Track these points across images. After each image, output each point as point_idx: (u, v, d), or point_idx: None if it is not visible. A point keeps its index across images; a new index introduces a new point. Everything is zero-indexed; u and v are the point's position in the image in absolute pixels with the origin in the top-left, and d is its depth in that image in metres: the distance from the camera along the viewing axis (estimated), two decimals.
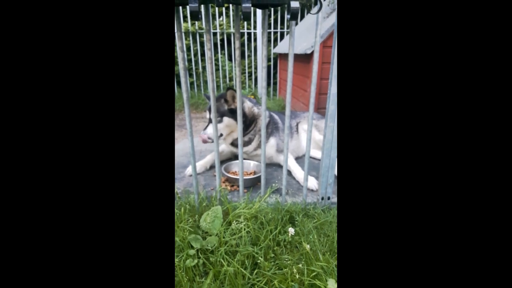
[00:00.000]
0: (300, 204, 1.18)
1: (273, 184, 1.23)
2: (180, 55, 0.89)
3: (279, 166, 1.64)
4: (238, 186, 1.34)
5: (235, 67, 0.94)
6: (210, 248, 0.89)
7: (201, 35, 4.23)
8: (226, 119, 1.46)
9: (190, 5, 0.65)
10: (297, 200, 1.24)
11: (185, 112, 0.99)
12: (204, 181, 1.47)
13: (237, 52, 0.93)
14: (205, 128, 1.47)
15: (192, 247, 0.88)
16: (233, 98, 1.44)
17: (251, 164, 1.53)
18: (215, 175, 1.51)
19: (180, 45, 0.88)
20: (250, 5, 0.69)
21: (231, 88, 1.38)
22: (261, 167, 1.14)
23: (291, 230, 0.93)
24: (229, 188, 1.34)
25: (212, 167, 1.63)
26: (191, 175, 1.51)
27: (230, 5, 4.03)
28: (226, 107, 1.46)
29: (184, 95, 0.96)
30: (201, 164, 1.57)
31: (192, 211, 1.09)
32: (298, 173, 1.43)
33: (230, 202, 1.11)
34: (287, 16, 0.76)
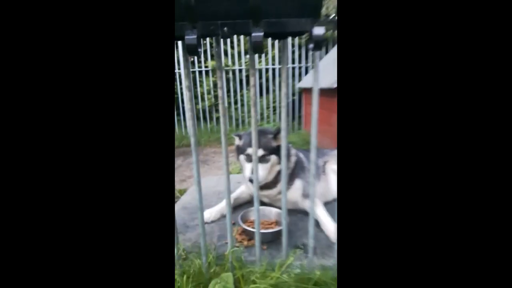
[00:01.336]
0: (331, 269, 0.94)
1: (297, 251, 1.00)
2: (187, 94, 0.79)
3: (306, 213, 1.41)
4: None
5: (251, 104, 0.81)
6: None
7: (226, 72, 4.36)
8: (273, 158, 1.27)
9: (186, 37, 0.55)
10: (327, 263, 0.99)
11: (192, 158, 0.86)
12: (219, 231, 1.28)
13: (252, 90, 0.81)
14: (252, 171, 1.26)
15: None
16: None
17: (272, 212, 1.33)
18: (232, 223, 1.33)
19: (187, 83, 0.78)
20: (262, 33, 0.57)
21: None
22: (282, 220, 0.94)
23: None
24: (245, 243, 1.14)
25: None
26: (205, 223, 1.34)
27: None
28: (274, 144, 1.27)
29: (192, 140, 0.83)
30: (217, 210, 1.40)
31: (200, 276, 0.90)
32: (329, 224, 1.19)
33: (244, 266, 0.91)
34: (310, 46, 0.63)
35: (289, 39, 4.25)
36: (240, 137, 1.38)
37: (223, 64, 0.76)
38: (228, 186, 0.90)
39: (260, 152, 1.24)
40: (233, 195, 1.47)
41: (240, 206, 1.51)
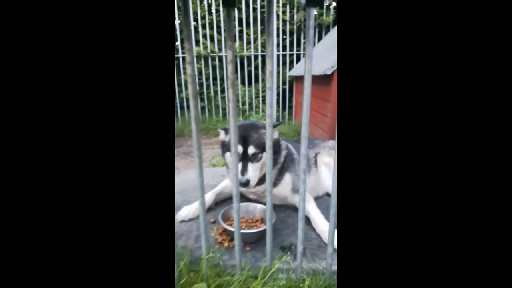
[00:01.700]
0: (322, 275, 0.83)
1: (285, 257, 0.87)
2: None
3: (295, 209, 1.29)
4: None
5: (227, 89, 0.67)
6: None
7: (213, 59, 4.14)
8: (265, 156, 1.09)
9: None
10: (318, 267, 0.88)
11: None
12: (197, 230, 1.15)
13: (230, 68, 0.66)
14: (244, 171, 1.07)
15: None
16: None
17: (257, 209, 1.20)
18: (212, 222, 1.20)
19: None
20: None
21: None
22: (267, 222, 0.81)
23: None
24: (226, 244, 1.01)
25: (210, 208, 1.31)
26: (182, 221, 1.21)
27: (244, 29, 3.95)
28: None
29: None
30: (195, 207, 1.25)
31: None
32: (321, 223, 1.07)
33: (223, 273, 0.78)
34: (302, 2, 0.49)
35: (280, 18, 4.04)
36: (226, 131, 1.20)
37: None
38: (201, 182, 0.76)
39: (251, 149, 1.08)
40: (216, 190, 1.34)
41: (225, 201, 1.38)
